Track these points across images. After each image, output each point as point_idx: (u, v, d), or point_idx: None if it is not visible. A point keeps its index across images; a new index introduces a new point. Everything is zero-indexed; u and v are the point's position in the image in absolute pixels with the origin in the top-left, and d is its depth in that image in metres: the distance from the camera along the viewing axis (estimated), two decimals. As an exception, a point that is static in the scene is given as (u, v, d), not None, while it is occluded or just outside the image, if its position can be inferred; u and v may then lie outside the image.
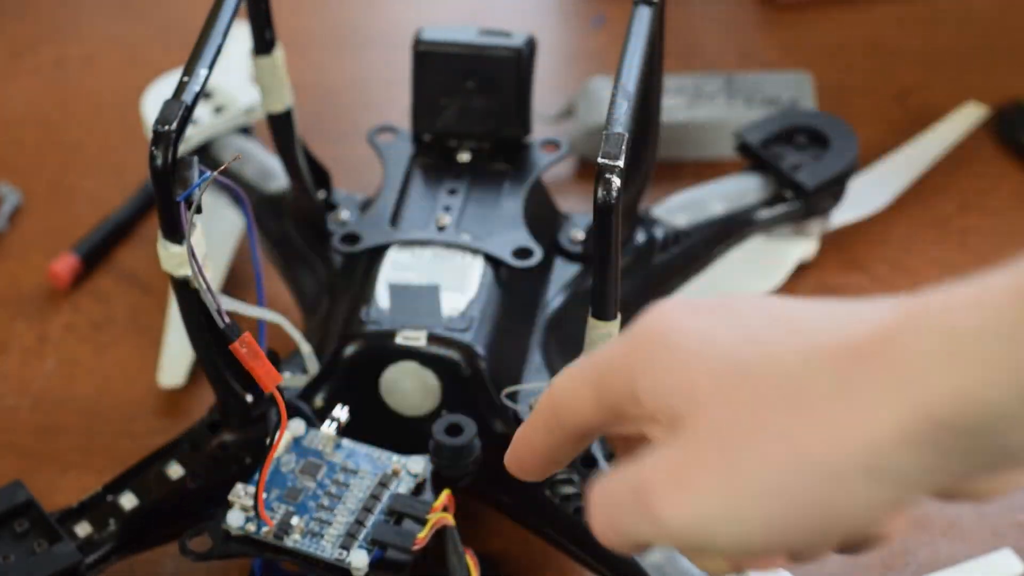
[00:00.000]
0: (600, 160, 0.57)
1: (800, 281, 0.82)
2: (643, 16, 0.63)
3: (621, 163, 0.57)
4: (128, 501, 0.66)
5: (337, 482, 0.65)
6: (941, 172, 0.87)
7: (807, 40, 0.97)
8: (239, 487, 0.63)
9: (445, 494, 0.63)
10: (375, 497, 0.64)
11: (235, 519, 0.63)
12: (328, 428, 0.65)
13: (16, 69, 0.96)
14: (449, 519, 0.63)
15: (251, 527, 0.63)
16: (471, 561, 0.63)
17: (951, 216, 0.86)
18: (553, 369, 0.69)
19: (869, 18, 0.99)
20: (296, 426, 0.66)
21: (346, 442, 0.66)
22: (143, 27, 0.99)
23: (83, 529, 0.65)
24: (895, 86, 0.93)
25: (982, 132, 0.89)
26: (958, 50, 0.96)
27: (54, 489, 0.73)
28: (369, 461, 0.65)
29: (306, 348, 0.67)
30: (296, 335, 0.66)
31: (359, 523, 0.63)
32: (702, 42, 0.98)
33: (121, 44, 0.98)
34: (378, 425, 0.68)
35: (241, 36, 0.83)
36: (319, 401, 0.69)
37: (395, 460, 0.65)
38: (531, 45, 0.76)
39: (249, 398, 0.67)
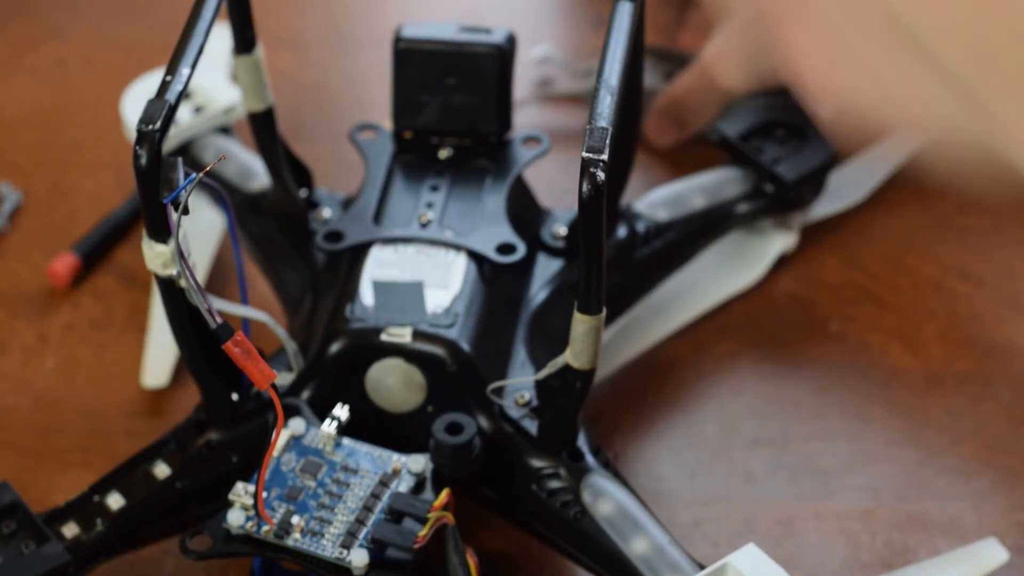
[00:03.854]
0: (584, 154, 0.57)
1: (799, 281, 0.82)
2: (624, 12, 0.63)
3: (605, 157, 0.57)
4: (115, 501, 0.66)
5: (337, 481, 0.65)
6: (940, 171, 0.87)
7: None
8: (239, 486, 0.63)
9: (445, 493, 0.63)
10: (376, 496, 0.64)
11: (235, 518, 0.63)
12: (328, 427, 0.66)
13: (16, 69, 0.96)
14: (449, 518, 0.63)
15: (251, 526, 0.63)
16: (471, 560, 0.63)
17: (951, 215, 0.86)
18: (538, 364, 0.70)
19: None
20: (296, 425, 0.66)
21: (346, 441, 0.66)
22: (143, 27, 0.98)
23: (70, 530, 0.65)
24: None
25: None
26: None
27: (54, 489, 0.72)
28: (370, 460, 0.65)
29: (291, 346, 0.68)
30: (281, 333, 0.66)
31: (359, 522, 0.63)
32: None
33: (121, 44, 0.97)
34: (364, 422, 0.68)
35: (220, 35, 0.82)
36: (305, 399, 0.69)
37: (396, 459, 0.65)
38: (511, 42, 0.76)
39: (235, 396, 0.67)
